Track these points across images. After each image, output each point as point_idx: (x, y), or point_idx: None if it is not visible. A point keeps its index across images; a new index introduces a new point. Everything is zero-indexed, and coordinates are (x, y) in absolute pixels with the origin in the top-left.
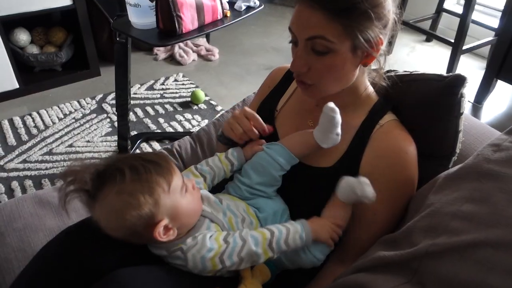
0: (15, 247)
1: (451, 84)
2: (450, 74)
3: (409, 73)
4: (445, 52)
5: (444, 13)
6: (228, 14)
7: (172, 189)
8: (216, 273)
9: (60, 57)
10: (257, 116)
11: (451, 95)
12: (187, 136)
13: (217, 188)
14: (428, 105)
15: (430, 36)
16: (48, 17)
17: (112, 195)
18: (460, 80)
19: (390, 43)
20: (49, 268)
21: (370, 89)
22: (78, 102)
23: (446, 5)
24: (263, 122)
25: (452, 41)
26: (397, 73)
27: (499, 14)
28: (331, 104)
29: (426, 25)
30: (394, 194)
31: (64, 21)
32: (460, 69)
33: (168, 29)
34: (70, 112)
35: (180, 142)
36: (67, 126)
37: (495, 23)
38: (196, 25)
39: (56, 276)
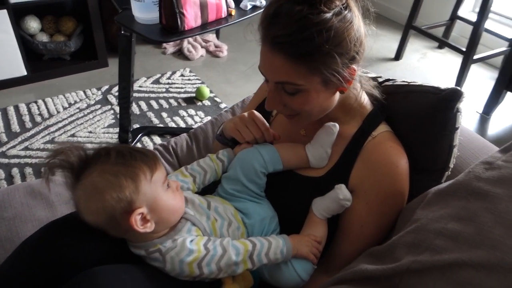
0: (2, 236)
1: (447, 98)
2: (447, 87)
3: (406, 83)
4: (457, 60)
5: (458, 21)
6: (233, 13)
7: (154, 180)
8: (194, 278)
9: (69, 46)
10: (267, 125)
11: (447, 109)
12: (184, 134)
13: (208, 191)
14: (423, 117)
15: (442, 43)
16: (59, 6)
17: (95, 173)
18: (456, 95)
19: (401, 48)
20: (27, 261)
21: (364, 98)
22: (84, 92)
23: (460, 12)
24: (271, 130)
25: (464, 49)
26: (394, 83)
27: None
28: (333, 123)
29: (439, 31)
30: (383, 207)
31: (74, 11)
32: (470, 79)
33: (170, 26)
34: (75, 102)
35: (177, 139)
36: (71, 115)
37: (509, 33)
38: (199, 22)
39: (33, 269)
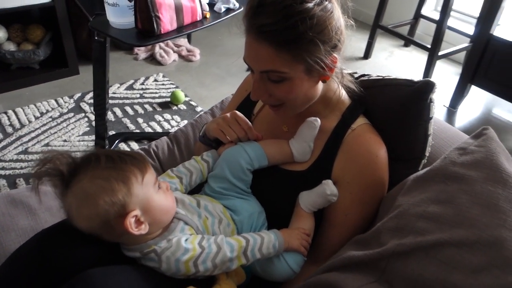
0: None
1: (421, 90)
2: (420, 80)
3: (381, 77)
4: (422, 57)
5: (422, 19)
6: (208, 16)
7: (145, 181)
8: (189, 276)
9: (38, 55)
10: (250, 124)
11: (421, 100)
12: (165, 137)
13: (195, 192)
14: (399, 109)
15: (408, 41)
16: (26, 14)
17: (86, 180)
18: (429, 86)
19: (369, 48)
20: (21, 269)
21: (342, 92)
22: (56, 100)
23: (424, 11)
24: (254, 131)
25: (429, 46)
26: (370, 77)
27: (474, 21)
28: (314, 118)
29: (405, 30)
30: (365, 196)
31: (42, 18)
32: (436, 74)
33: (146, 29)
34: (47, 111)
35: (157, 143)
36: (44, 125)
37: (470, 29)
38: (175, 26)
39: (27, 277)
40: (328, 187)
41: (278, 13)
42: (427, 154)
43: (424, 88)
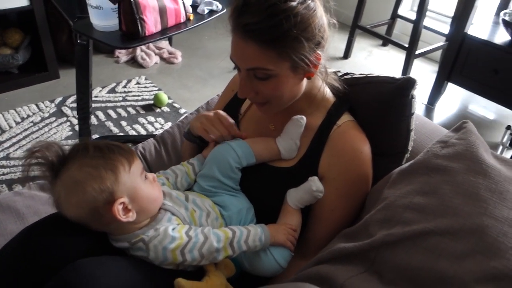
0: None
1: (403, 86)
2: (402, 77)
3: (364, 75)
4: (400, 56)
5: (398, 19)
6: (191, 18)
7: (133, 171)
8: (177, 266)
9: (17, 59)
10: (233, 122)
11: (403, 96)
12: (151, 138)
13: None
14: (382, 106)
15: (386, 40)
16: (4, 18)
17: (74, 168)
18: (410, 83)
19: (348, 48)
20: (8, 264)
21: (327, 90)
22: (37, 105)
23: (400, 11)
24: (238, 130)
25: (406, 45)
26: (353, 76)
27: (449, 20)
28: (300, 116)
29: (382, 30)
30: (351, 191)
31: (20, 22)
32: (413, 73)
33: (131, 32)
34: (28, 116)
35: (144, 144)
36: (25, 130)
37: (445, 29)
38: (159, 28)
39: (15, 272)
40: (314, 183)
41: (263, 12)
42: (409, 148)
43: (406, 85)
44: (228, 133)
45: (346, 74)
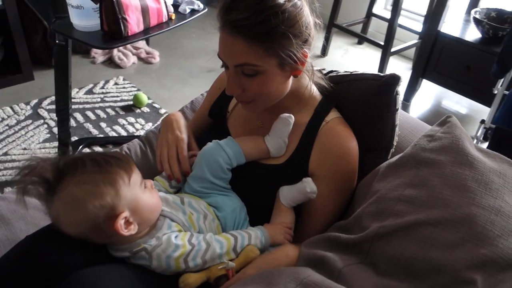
0: None
1: (387, 83)
2: (386, 74)
3: (349, 73)
4: (376, 54)
5: (373, 18)
6: (173, 17)
7: (132, 182)
8: (179, 273)
9: None
10: (188, 163)
11: (388, 93)
12: (136, 139)
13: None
14: (367, 102)
15: (361, 39)
16: None
17: (72, 185)
18: (395, 79)
19: (325, 46)
20: (8, 276)
21: (313, 88)
22: (11, 108)
23: (375, 10)
24: (189, 168)
25: (382, 43)
26: (338, 73)
27: (422, 19)
28: (288, 114)
29: (358, 28)
30: (340, 186)
31: None
32: (389, 70)
33: (113, 32)
34: (3, 119)
35: (129, 145)
36: (1, 133)
37: (419, 27)
38: (141, 27)
39: (18, 283)
40: (308, 185)
41: (251, 8)
42: (395, 143)
43: (391, 81)
44: (178, 176)
45: (331, 72)
